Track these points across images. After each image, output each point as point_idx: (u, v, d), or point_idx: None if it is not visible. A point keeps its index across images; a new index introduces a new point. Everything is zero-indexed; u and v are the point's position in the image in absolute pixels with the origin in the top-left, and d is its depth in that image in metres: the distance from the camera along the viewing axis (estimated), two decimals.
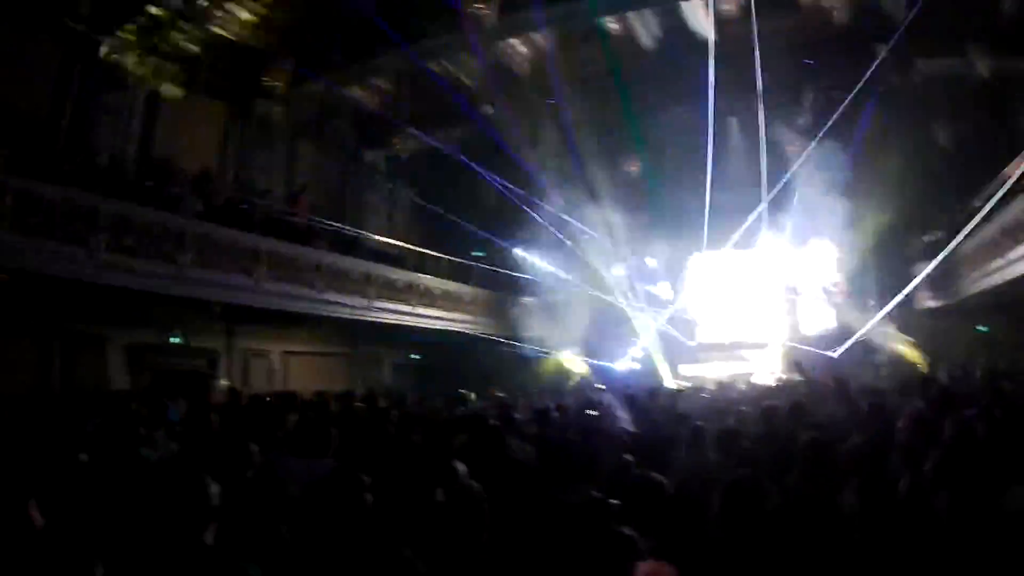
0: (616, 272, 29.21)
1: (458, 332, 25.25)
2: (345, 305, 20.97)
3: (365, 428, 9.85)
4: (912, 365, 22.17)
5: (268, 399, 17.32)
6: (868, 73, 19.44)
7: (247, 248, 18.13)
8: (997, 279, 19.97)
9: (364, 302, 21.57)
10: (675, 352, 28.79)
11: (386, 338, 24.12)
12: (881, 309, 24.05)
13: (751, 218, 24.31)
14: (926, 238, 23.14)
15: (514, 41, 23.59)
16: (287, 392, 17.90)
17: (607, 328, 27.42)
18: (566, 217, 24.84)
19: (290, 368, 22.11)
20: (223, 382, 19.19)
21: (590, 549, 3.62)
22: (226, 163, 21.51)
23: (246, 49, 20.74)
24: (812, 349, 25.18)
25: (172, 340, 18.78)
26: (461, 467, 5.54)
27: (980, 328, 22.69)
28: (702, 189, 25.89)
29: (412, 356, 26.46)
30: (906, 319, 23.91)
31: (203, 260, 16.94)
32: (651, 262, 29.99)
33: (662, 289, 30.23)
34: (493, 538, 4.72)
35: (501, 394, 17.69)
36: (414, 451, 7.33)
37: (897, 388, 13.49)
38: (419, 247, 24.51)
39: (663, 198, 26.80)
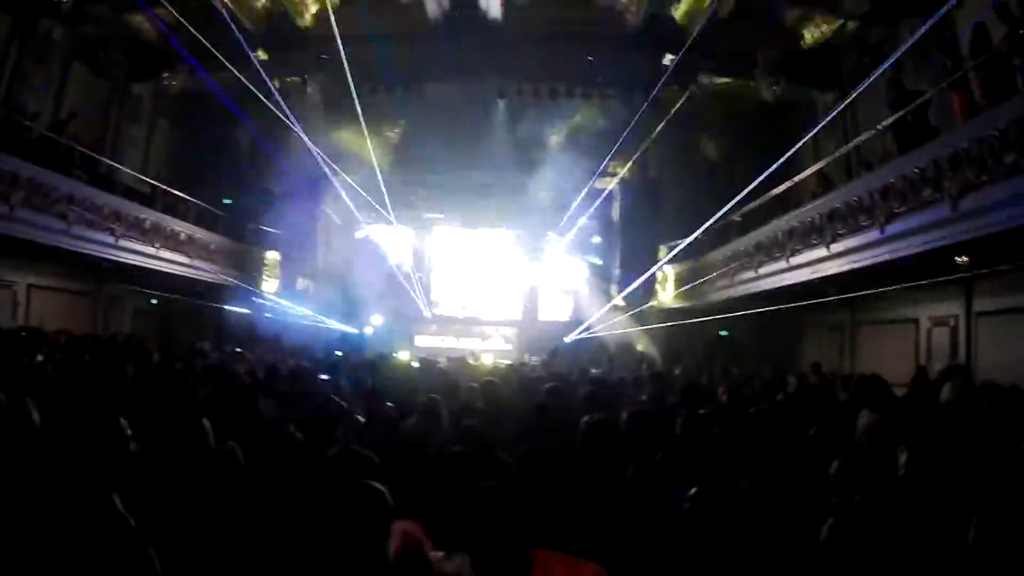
0: (359, 235, 29.24)
1: (200, 280, 24.32)
2: (93, 241, 19.71)
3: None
4: (646, 360, 23.47)
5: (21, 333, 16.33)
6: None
7: (7, 172, 16.61)
8: (743, 290, 21.60)
9: (111, 239, 20.33)
10: (412, 323, 29.18)
11: (130, 281, 22.89)
12: (623, 304, 25.43)
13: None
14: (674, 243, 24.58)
15: None
16: (34, 328, 16.92)
17: (351, 292, 27.32)
18: (319, 174, 24.54)
19: (34, 303, 20.58)
20: None
21: (343, 502, 3.46)
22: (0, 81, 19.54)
23: None
24: (548, 332, 26.34)
25: None
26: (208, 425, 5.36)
27: (723, 332, 24.27)
28: (458, 165, 26.45)
29: (153, 302, 25.21)
30: (648, 317, 25.30)
31: None
32: (396, 231, 30.10)
33: (404, 258, 30.47)
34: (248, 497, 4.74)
35: (239, 349, 17.46)
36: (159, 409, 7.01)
37: (629, 380, 14.44)
38: (174, 188, 23.40)
39: (419, 167, 26.94)
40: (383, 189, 24.15)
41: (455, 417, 8.24)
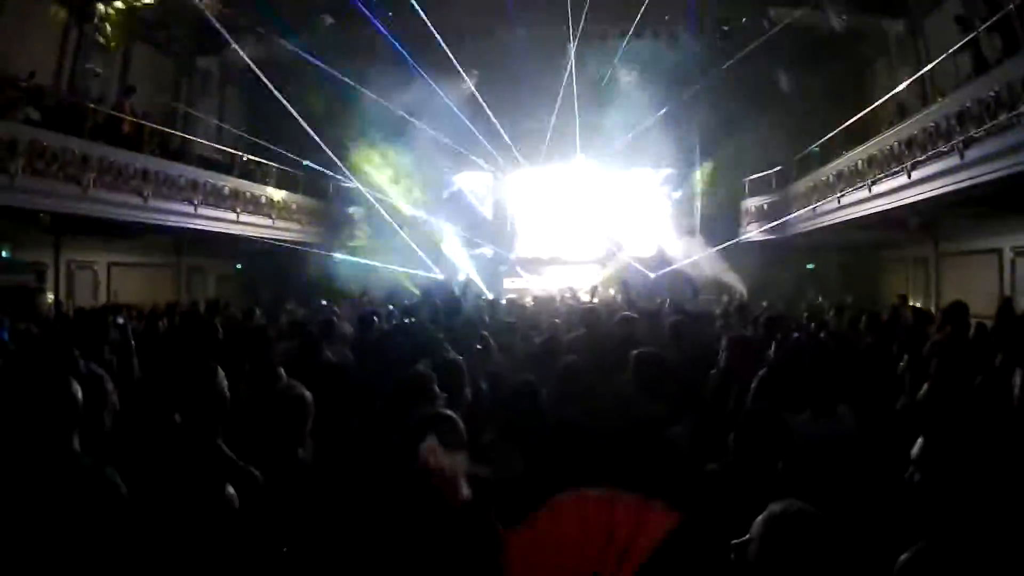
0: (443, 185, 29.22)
1: (284, 241, 24.58)
2: (172, 213, 20.07)
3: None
4: (732, 295, 23.03)
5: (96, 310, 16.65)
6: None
7: (77, 155, 16.93)
8: (828, 220, 20.99)
9: (190, 209, 20.69)
10: (497, 267, 29.16)
11: (211, 248, 23.32)
12: (706, 239, 25.00)
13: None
14: (756, 176, 23.96)
15: None
16: (113, 305, 17.22)
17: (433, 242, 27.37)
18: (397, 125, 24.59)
19: (115, 280, 21.05)
20: (49, 296, 18.11)
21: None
22: (63, 68, 19.86)
23: None
24: (637, 268, 26.01)
25: (1, 254, 17.61)
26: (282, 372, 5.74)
27: (809, 265, 23.75)
28: (537, 108, 26.13)
29: (237, 267, 25.64)
30: (733, 251, 24.81)
31: (33, 168, 15.73)
32: (476, 177, 29.99)
33: (486, 203, 30.40)
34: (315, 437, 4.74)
35: (324, 303, 17.55)
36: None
37: (719, 316, 14.08)
38: (247, 151, 23.68)
39: (497, 113, 26.67)
40: (461, 136, 24.13)
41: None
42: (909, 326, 12.28)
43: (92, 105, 18.48)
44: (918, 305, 18.18)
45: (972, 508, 2.86)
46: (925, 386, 5.58)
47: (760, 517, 2.65)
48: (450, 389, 5.25)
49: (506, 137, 26.79)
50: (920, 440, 3.16)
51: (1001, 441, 3.31)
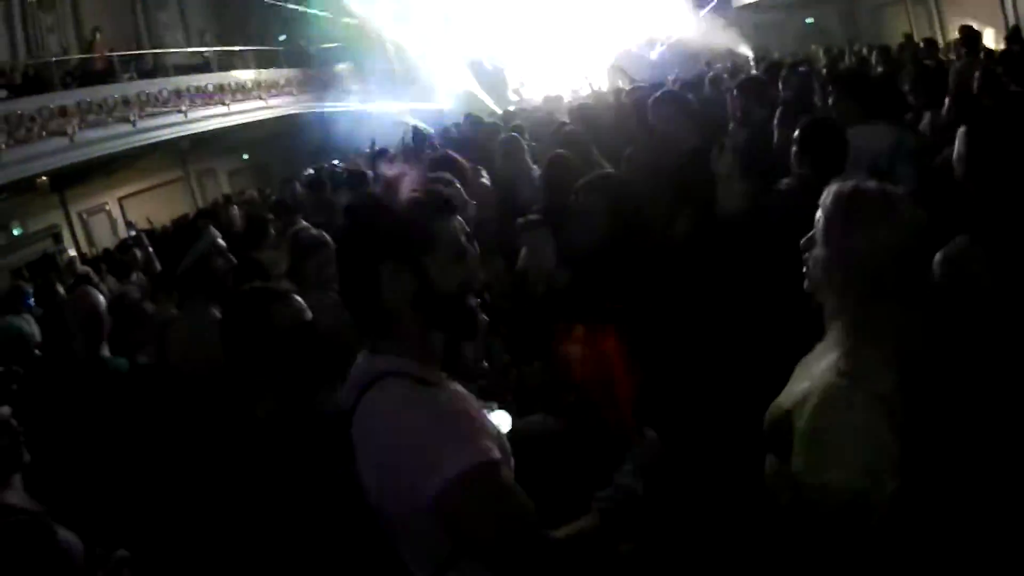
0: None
1: (280, 117, 24.35)
2: (163, 127, 19.88)
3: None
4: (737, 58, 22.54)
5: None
6: None
7: (54, 108, 16.74)
8: None
9: (180, 118, 20.47)
10: (499, 79, 28.73)
11: (214, 149, 23.19)
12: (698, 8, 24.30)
13: None
14: None
15: None
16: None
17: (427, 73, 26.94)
18: None
19: (130, 212, 20.92)
20: (70, 253, 18.26)
21: None
22: (14, 36, 19.32)
23: None
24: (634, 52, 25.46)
25: (14, 233, 17.73)
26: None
27: (808, 20, 23.10)
28: None
29: (244, 157, 25.52)
30: (730, 18, 24.12)
31: (16, 138, 15.63)
32: None
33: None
34: None
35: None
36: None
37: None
38: (221, 46, 23.16)
39: None
40: None
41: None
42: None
43: (55, 59, 18.17)
44: None
45: (1012, 202, 2.91)
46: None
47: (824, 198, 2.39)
48: None
49: None
50: (961, 135, 3.16)
51: None
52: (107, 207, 20.79)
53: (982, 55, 9.33)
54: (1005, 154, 2.94)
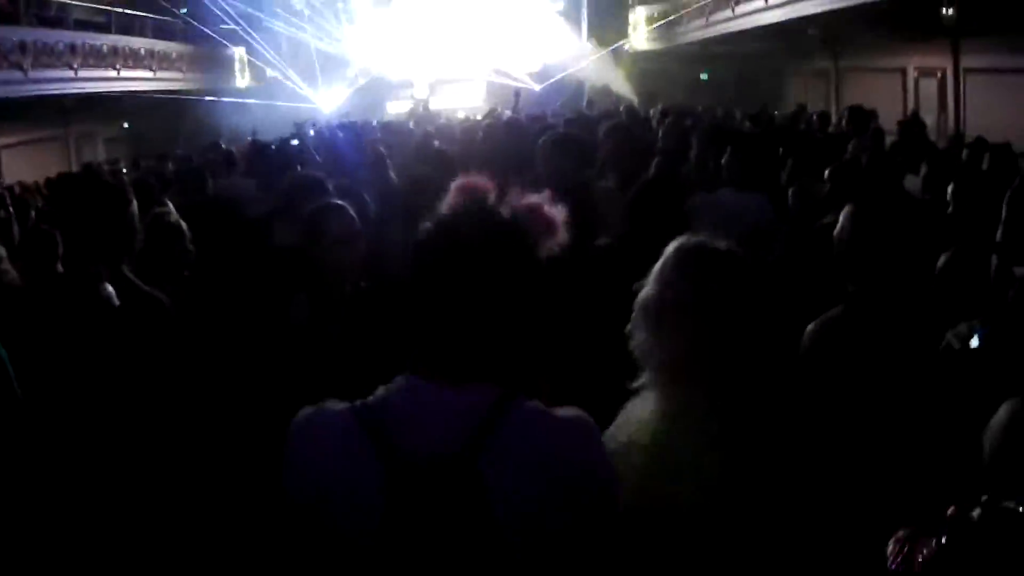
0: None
1: (166, 92, 23.80)
2: (53, 80, 19.12)
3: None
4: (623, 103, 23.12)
5: None
6: None
7: None
8: (722, 29, 21.07)
9: (71, 74, 19.77)
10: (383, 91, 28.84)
11: (98, 112, 22.45)
12: (594, 49, 24.91)
13: None
14: None
15: None
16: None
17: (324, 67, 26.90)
18: None
19: (6, 162, 20.21)
20: None
21: None
22: None
23: None
24: (519, 83, 25.87)
25: None
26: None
27: (702, 75, 23.82)
28: None
29: (124, 126, 24.77)
30: (623, 62, 24.79)
31: None
32: None
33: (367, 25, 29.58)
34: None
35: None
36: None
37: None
38: (124, 8, 22.53)
39: None
40: None
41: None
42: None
43: None
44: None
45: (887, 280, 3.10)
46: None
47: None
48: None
49: None
50: (847, 213, 3.28)
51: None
52: None
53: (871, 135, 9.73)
54: (887, 236, 3.13)
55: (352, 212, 3.84)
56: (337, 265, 3.74)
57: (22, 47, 17.93)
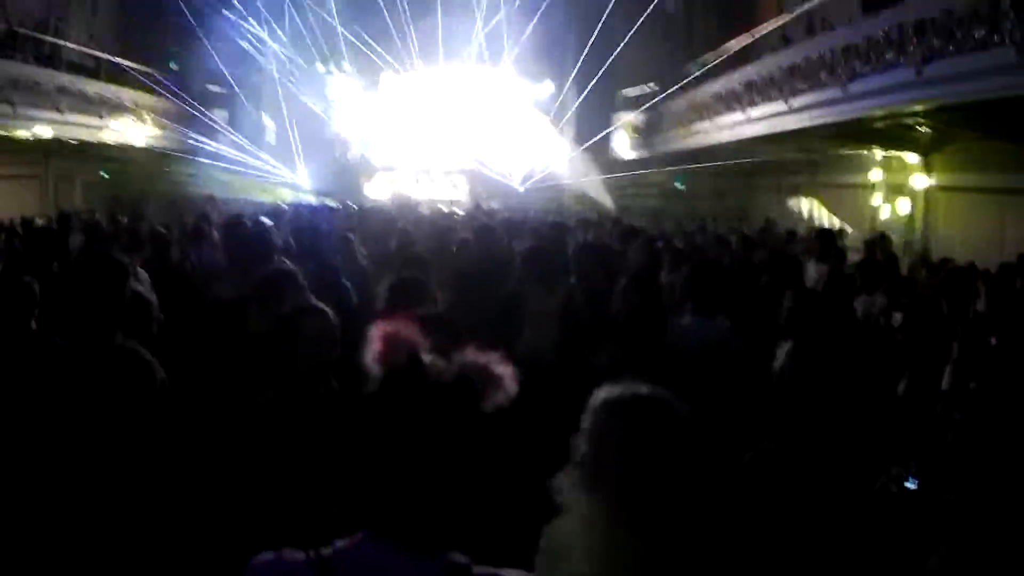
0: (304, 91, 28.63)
1: (148, 148, 23.95)
2: (39, 120, 19.37)
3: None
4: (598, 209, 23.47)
5: None
6: None
7: None
8: (700, 141, 21.63)
9: (57, 116, 19.99)
10: (360, 172, 29.01)
11: (79, 156, 22.53)
12: (579, 153, 25.42)
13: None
14: (633, 91, 24.27)
15: None
16: None
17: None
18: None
19: None
20: None
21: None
22: None
23: None
24: (499, 178, 26.26)
25: None
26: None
27: (677, 184, 24.32)
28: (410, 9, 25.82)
29: (103, 174, 24.81)
30: (603, 164, 25.26)
31: None
32: (340, 80, 29.43)
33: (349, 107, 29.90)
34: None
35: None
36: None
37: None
38: (118, 57, 22.80)
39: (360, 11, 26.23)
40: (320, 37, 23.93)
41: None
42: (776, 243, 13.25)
43: None
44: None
45: (831, 411, 3.14)
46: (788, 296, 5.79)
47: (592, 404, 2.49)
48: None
49: (370, 39, 26.50)
50: (788, 350, 3.37)
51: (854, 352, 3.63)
52: None
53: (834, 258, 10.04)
54: (820, 376, 3.23)
55: (332, 317, 3.87)
56: (310, 366, 3.77)
57: (14, 83, 18.11)
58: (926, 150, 15.67)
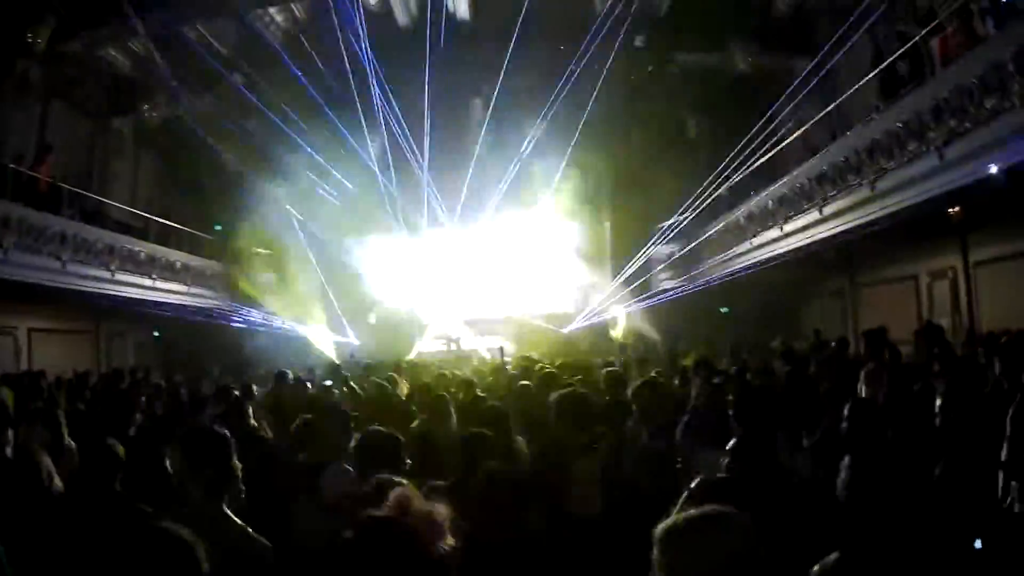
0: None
1: (198, 308, 24.42)
2: (89, 278, 19.84)
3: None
4: (647, 343, 23.31)
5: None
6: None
7: None
8: (741, 262, 21.62)
9: (107, 275, 20.49)
10: (411, 330, 29.04)
11: (130, 315, 23.00)
12: (619, 289, 25.45)
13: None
14: (667, 223, 24.41)
15: (272, 9, 22.88)
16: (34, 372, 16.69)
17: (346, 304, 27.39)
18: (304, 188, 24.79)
19: (35, 347, 20.53)
20: None
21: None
22: None
23: (8, 2, 18.57)
24: (546, 327, 26.28)
25: None
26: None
27: (723, 309, 24.17)
28: (440, 166, 26.41)
29: (155, 334, 25.27)
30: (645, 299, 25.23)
31: None
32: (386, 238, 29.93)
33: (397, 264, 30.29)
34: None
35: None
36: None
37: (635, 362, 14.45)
38: (163, 218, 23.56)
39: (401, 175, 26.79)
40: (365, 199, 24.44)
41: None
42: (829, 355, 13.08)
43: (12, 165, 18.23)
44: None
45: (887, 524, 3.12)
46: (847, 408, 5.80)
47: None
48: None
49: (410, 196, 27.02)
50: (847, 464, 3.41)
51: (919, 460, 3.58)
52: (16, 332, 20.16)
53: (887, 357, 9.94)
54: (886, 488, 3.27)
55: None
56: None
57: (62, 238, 18.61)
58: (961, 229, 15.42)
